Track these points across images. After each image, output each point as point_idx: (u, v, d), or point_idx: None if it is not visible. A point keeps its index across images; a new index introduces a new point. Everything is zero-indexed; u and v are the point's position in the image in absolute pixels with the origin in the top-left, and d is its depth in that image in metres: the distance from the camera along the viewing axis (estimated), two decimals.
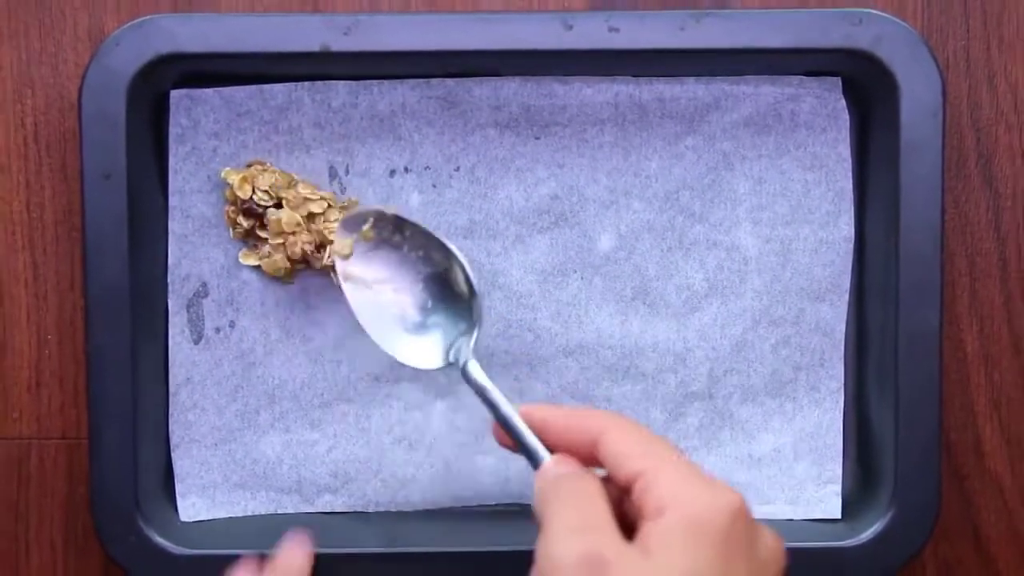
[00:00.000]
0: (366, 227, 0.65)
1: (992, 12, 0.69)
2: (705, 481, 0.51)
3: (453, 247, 0.64)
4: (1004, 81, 0.69)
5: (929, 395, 0.66)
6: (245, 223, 0.68)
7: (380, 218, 0.65)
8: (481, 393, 0.60)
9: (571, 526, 0.51)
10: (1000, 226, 0.70)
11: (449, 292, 0.64)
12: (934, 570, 0.71)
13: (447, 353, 0.63)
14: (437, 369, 0.64)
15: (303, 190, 0.67)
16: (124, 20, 0.66)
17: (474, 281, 0.63)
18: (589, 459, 0.55)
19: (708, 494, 0.50)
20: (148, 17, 0.65)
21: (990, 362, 0.71)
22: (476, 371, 0.61)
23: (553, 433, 0.56)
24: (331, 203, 0.67)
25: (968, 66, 0.69)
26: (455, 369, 0.62)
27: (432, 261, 0.65)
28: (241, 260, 0.69)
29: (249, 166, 0.68)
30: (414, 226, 0.65)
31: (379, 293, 0.65)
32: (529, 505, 0.55)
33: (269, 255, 0.68)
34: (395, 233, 0.65)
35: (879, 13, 0.66)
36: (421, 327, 0.65)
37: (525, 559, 0.52)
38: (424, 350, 0.64)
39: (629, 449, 0.53)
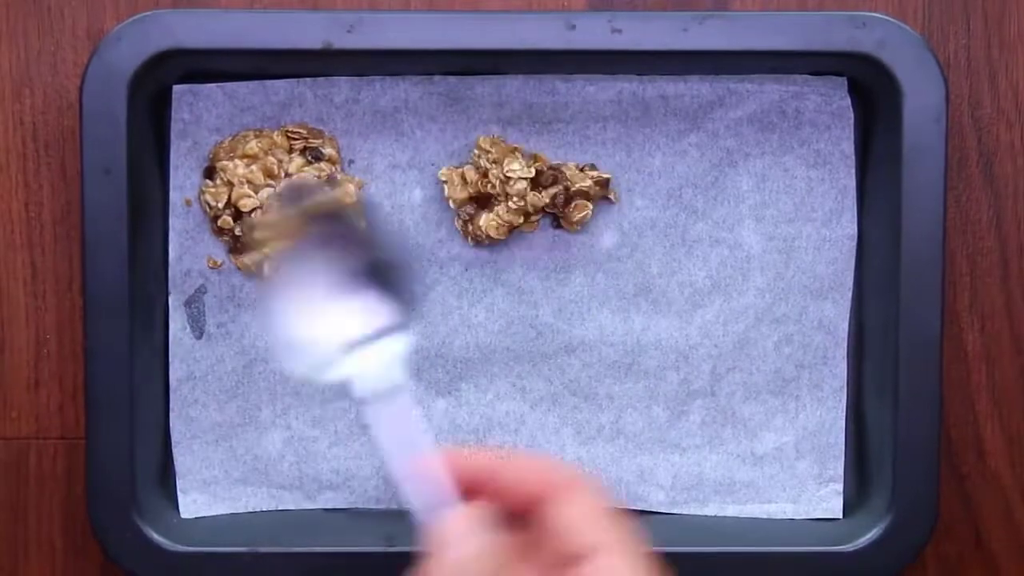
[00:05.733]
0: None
1: (993, 12, 0.70)
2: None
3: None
4: (1005, 80, 0.70)
5: (929, 397, 0.66)
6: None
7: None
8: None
9: None
10: (1001, 225, 0.70)
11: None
12: (935, 568, 0.71)
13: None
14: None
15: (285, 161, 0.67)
16: (123, 19, 0.66)
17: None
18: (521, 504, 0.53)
19: None
20: (150, 12, 0.65)
21: (991, 361, 0.71)
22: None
23: (500, 483, 0.53)
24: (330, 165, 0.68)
25: (969, 65, 0.70)
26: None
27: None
28: (232, 260, 0.69)
29: (230, 144, 0.68)
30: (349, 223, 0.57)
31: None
32: None
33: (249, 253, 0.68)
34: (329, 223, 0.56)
35: (882, 17, 0.66)
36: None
37: None
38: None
39: (583, 524, 0.51)
